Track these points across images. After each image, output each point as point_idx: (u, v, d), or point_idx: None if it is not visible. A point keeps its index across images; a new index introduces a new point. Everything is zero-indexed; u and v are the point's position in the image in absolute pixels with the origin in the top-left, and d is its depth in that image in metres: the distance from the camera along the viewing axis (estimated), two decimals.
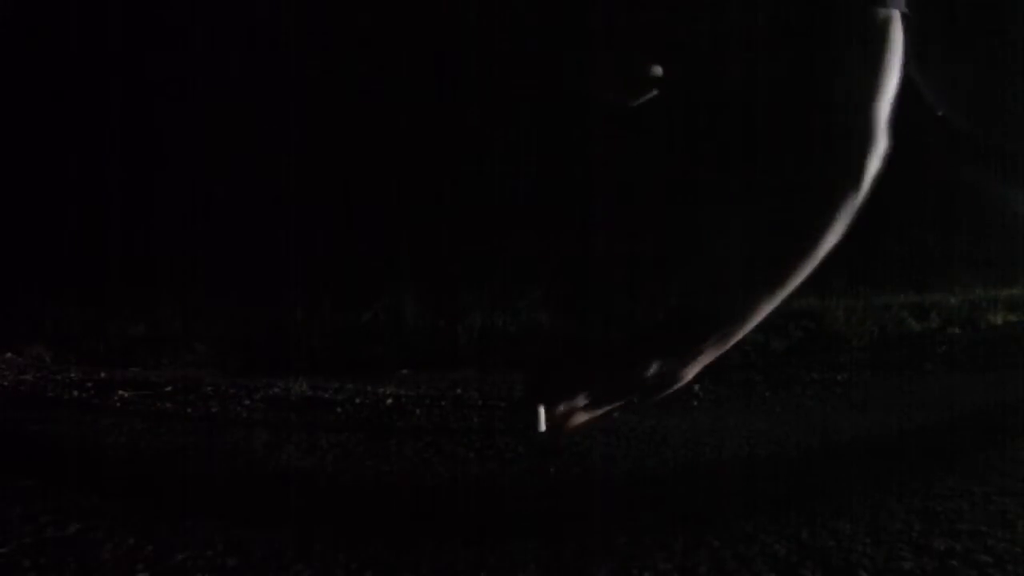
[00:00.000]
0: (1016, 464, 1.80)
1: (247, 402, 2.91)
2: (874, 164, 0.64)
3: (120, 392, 3.03)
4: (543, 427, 2.46)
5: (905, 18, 0.58)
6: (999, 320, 5.28)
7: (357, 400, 2.96)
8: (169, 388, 3.12)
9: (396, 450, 2.13)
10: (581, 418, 0.79)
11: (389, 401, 2.94)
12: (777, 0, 0.62)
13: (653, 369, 0.73)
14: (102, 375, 3.46)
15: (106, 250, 5.40)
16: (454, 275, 4.86)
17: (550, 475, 1.85)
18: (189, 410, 2.78)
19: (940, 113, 0.62)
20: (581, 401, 0.77)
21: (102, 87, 5.72)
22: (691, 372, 0.71)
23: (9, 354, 3.94)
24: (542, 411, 2.46)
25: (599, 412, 0.77)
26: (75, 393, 3.05)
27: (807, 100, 0.62)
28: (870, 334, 4.52)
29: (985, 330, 4.96)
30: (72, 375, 3.47)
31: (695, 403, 2.78)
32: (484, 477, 1.84)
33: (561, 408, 0.80)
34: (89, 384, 3.21)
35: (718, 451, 2.08)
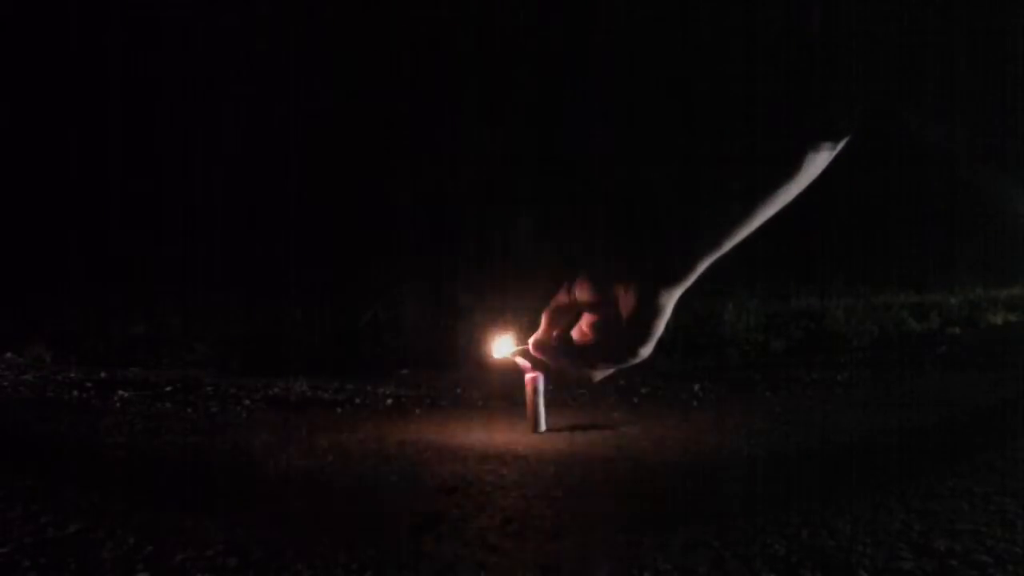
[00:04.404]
0: (1016, 464, 1.80)
1: (247, 402, 2.91)
2: (825, 156, 0.64)
3: (120, 392, 3.03)
4: (543, 427, 2.47)
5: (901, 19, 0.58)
6: (999, 320, 5.28)
7: (357, 400, 2.96)
8: (169, 388, 3.12)
9: (396, 450, 2.13)
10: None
11: (389, 401, 2.94)
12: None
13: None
14: (102, 375, 3.46)
15: (106, 250, 5.40)
16: (454, 275, 4.86)
17: (550, 475, 1.85)
18: (189, 410, 2.78)
19: (936, 114, 0.62)
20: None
21: (103, 88, 5.72)
22: (644, 350, 0.69)
23: (9, 354, 3.94)
24: (542, 411, 2.46)
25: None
26: (75, 393, 3.05)
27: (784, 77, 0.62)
28: (870, 334, 4.52)
29: (985, 330, 4.97)
30: (72, 375, 3.47)
31: (695, 403, 2.78)
32: (484, 477, 1.84)
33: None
34: (89, 384, 3.21)
35: (718, 451, 2.08)
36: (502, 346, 0.83)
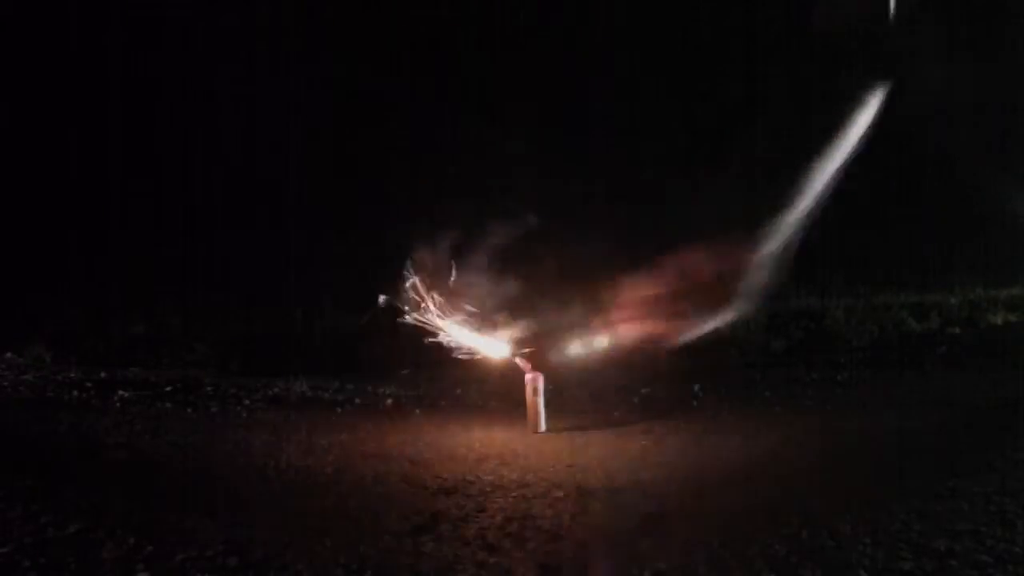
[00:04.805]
0: (1016, 464, 1.80)
1: (247, 402, 2.91)
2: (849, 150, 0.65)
3: (120, 392, 3.03)
4: (543, 427, 2.47)
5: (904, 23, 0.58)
6: (999, 320, 5.27)
7: (357, 400, 2.96)
8: (169, 388, 3.12)
9: (396, 451, 2.13)
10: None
11: (389, 401, 2.94)
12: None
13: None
14: (102, 375, 3.46)
15: (106, 250, 5.39)
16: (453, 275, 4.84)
17: (550, 475, 1.85)
18: (189, 410, 2.78)
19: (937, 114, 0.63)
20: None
21: (103, 88, 5.72)
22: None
23: (9, 354, 3.94)
24: (542, 411, 2.46)
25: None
26: (75, 393, 3.05)
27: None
28: (870, 334, 4.52)
29: (985, 330, 4.96)
30: (72, 375, 3.47)
31: (695, 403, 2.78)
32: (484, 477, 1.84)
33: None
34: (89, 384, 3.21)
35: (718, 450, 2.08)
36: (504, 346, 0.84)
